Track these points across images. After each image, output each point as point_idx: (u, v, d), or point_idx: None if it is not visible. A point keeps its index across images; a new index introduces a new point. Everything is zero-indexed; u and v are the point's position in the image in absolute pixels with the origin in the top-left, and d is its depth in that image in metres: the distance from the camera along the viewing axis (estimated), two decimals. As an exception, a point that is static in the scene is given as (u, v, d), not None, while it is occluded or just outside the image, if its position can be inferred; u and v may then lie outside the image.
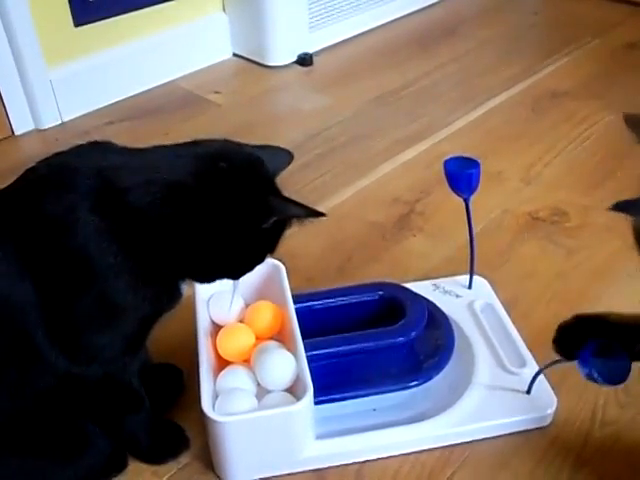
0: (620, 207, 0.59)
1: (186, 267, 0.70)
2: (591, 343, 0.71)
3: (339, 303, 0.91)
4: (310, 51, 1.82)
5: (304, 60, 1.81)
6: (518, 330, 0.94)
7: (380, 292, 0.92)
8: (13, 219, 0.66)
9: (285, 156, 0.75)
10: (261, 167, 0.69)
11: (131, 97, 1.65)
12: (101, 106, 1.60)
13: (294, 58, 1.81)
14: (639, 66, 1.78)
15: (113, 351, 0.70)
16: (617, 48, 1.88)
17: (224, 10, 1.81)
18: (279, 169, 0.73)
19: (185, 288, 0.74)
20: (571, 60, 1.83)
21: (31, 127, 1.53)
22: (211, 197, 0.65)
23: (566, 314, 0.80)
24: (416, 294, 0.93)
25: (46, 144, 1.48)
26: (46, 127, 1.53)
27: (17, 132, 1.52)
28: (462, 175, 0.88)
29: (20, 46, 1.44)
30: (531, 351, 0.90)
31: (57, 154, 0.69)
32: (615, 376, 0.71)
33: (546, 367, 0.82)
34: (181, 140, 0.72)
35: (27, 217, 0.65)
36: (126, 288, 0.66)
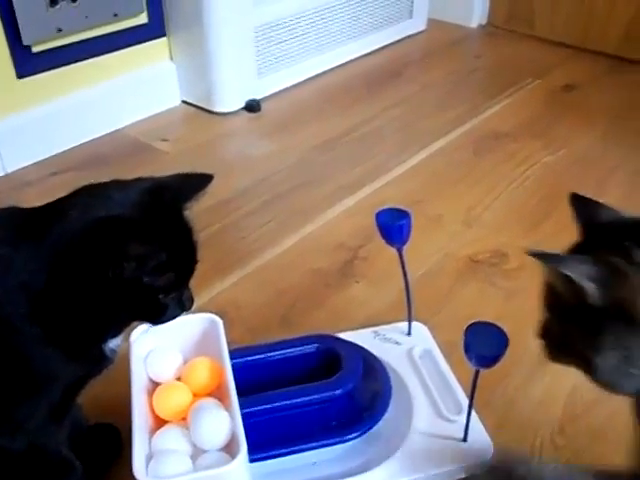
0: (536, 254, 0.61)
1: (89, 329, 0.69)
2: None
3: (276, 357, 0.91)
4: (258, 97, 1.85)
5: (252, 106, 1.83)
6: (457, 375, 0.95)
7: (316, 344, 0.92)
8: None
9: (200, 181, 0.73)
10: (135, 209, 0.69)
11: (77, 147, 1.64)
12: (46, 157, 1.59)
13: (242, 104, 1.83)
14: (576, 106, 1.85)
15: (37, 421, 0.69)
16: (556, 89, 1.95)
17: (171, 58, 1.83)
18: (189, 195, 0.72)
19: (114, 351, 0.74)
20: (512, 102, 1.89)
21: (-26, 179, 1.52)
22: (72, 258, 0.65)
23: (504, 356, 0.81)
24: (352, 344, 0.93)
25: (-12, 196, 1.47)
26: (-11, 178, 1.52)
27: (-40, 184, 1.50)
28: (393, 227, 0.90)
29: (-38, 99, 1.43)
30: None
31: None
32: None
33: None
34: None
35: None
36: (43, 358, 0.65)
